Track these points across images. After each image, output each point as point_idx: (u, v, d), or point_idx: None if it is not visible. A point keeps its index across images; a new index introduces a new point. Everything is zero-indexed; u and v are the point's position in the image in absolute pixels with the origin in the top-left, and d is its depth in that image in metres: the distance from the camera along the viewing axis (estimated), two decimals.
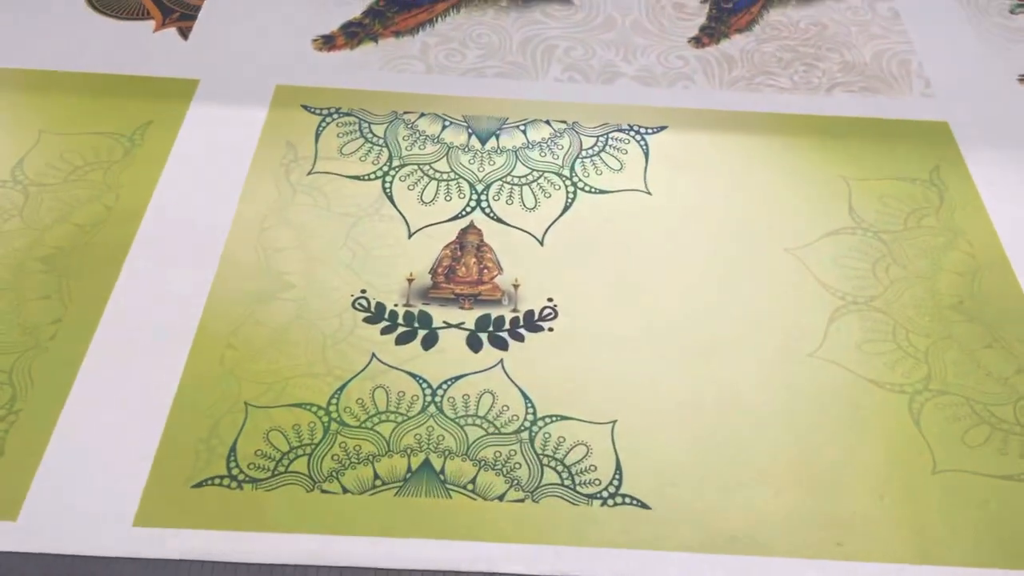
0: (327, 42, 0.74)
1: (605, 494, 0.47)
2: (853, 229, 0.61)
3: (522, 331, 0.54)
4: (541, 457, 0.49)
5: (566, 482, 0.48)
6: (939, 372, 0.53)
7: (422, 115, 0.67)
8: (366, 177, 0.63)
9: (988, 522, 0.47)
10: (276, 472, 0.47)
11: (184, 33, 0.74)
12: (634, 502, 0.47)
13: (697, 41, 0.75)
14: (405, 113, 0.68)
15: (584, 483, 0.48)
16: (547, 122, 0.67)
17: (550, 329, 0.55)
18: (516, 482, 0.48)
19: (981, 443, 0.50)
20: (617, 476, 0.48)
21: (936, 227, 0.61)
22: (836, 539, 0.46)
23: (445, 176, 0.63)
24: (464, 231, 0.60)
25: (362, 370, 0.52)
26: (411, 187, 0.62)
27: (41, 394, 0.50)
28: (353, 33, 0.74)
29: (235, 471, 0.47)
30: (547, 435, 0.49)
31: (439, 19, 0.77)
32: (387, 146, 0.65)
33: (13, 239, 0.57)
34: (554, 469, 0.48)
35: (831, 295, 0.57)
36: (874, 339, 0.54)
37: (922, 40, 0.76)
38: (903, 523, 0.47)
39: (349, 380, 0.51)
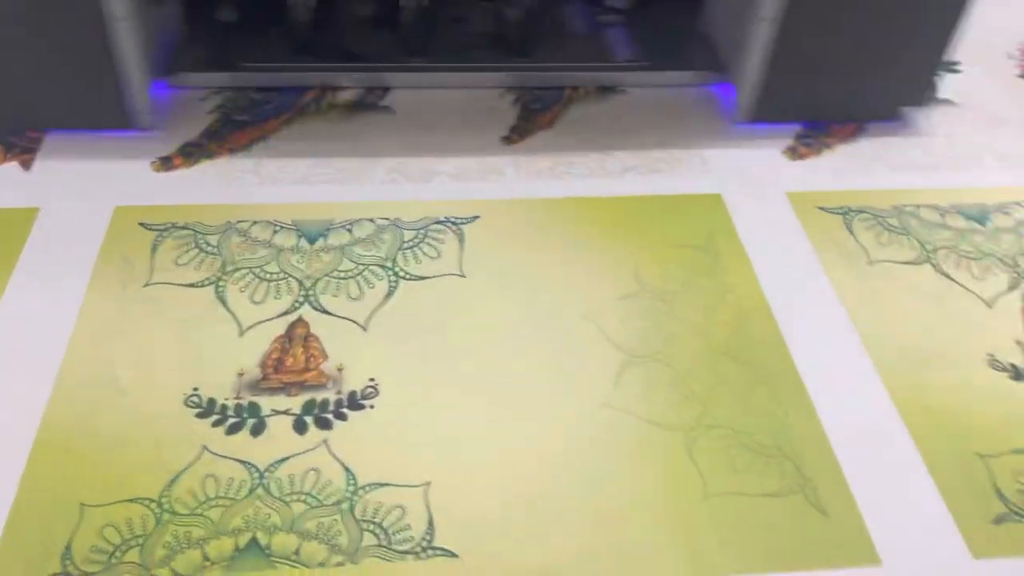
0: (164, 163, 0.79)
1: (418, 549, 0.52)
2: (639, 293, 0.69)
3: (345, 411, 0.60)
4: (360, 523, 0.53)
5: (383, 542, 0.52)
6: (711, 411, 0.61)
7: (254, 223, 0.74)
8: (200, 284, 0.68)
9: (753, 533, 0.54)
10: (110, 564, 0.50)
11: (26, 165, 0.78)
12: (444, 553, 0.52)
13: (507, 139, 0.85)
14: (238, 222, 0.74)
15: (399, 541, 0.53)
16: (371, 220, 0.75)
17: (371, 407, 0.60)
18: (337, 548, 0.52)
19: (745, 468, 0.57)
20: (429, 532, 0.53)
21: (711, 287, 0.70)
22: (620, 566, 0.52)
23: (275, 276, 0.69)
24: (292, 324, 0.65)
25: (193, 462, 0.56)
26: (242, 289, 0.68)
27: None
28: (189, 153, 0.81)
29: (70, 567, 0.50)
30: (366, 503, 0.54)
31: (271, 135, 0.84)
32: (220, 254, 0.71)
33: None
34: (372, 532, 0.53)
35: (620, 351, 0.65)
36: (657, 387, 0.62)
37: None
38: (678, 544, 0.53)
39: (180, 472, 0.55)
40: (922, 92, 0.85)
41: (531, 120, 0.87)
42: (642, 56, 0.90)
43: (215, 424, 0.58)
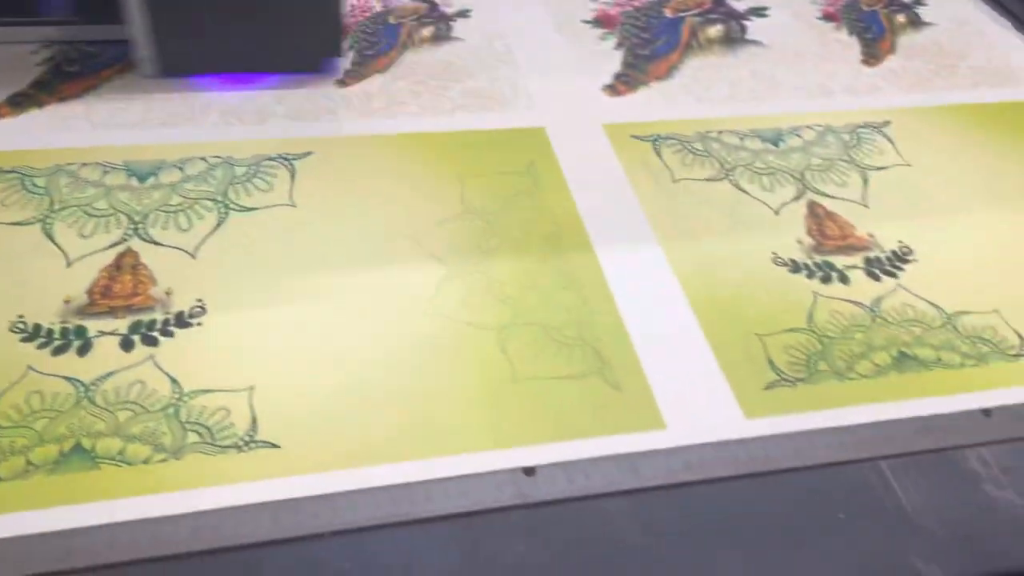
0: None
1: (240, 443, 0.56)
2: (463, 215, 0.74)
3: (172, 328, 0.62)
4: (185, 424, 0.56)
5: (206, 439, 0.56)
6: (523, 311, 0.66)
7: (83, 165, 0.75)
8: (26, 222, 0.69)
9: (552, 409, 0.60)
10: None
11: None
12: (266, 444, 0.56)
13: (342, 82, 0.88)
14: (68, 164, 0.75)
15: (222, 438, 0.56)
16: (203, 159, 0.77)
17: (199, 324, 0.63)
18: (160, 447, 0.55)
19: (551, 357, 0.63)
20: (252, 429, 0.57)
21: (530, 206, 0.76)
22: (429, 441, 0.57)
23: (104, 212, 0.71)
24: (121, 255, 0.68)
25: (17, 381, 0.58)
26: (70, 225, 0.69)
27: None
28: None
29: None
30: (191, 407, 0.57)
31: (104, 84, 0.85)
32: (48, 195, 0.72)
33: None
34: (196, 432, 0.56)
35: (442, 265, 0.70)
36: (474, 294, 0.67)
37: (528, 65, 0.93)
38: (484, 421, 0.58)
39: (4, 391, 0.57)
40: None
41: (365, 65, 0.91)
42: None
43: (40, 347, 0.60)
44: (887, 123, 0.90)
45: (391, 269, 0.69)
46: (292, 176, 0.76)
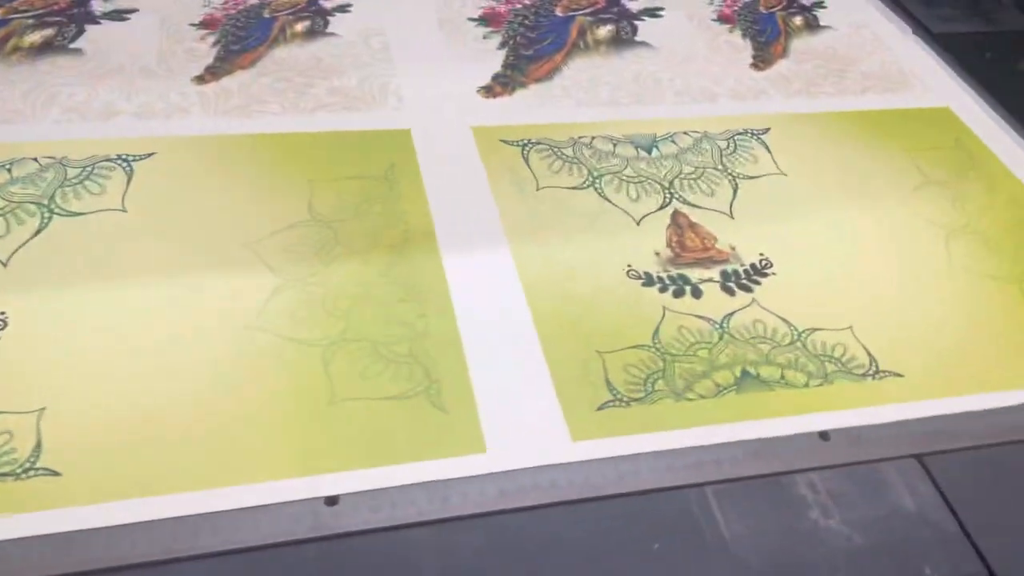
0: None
1: (19, 470, 0.52)
2: (308, 223, 0.71)
3: None
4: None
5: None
6: (355, 325, 0.64)
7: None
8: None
9: (370, 433, 0.57)
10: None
11: None
12: (46, 472, 0.52)
13: (200, 79, 0.85)
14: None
15: (1, 464, 0.53)
16: (35, 159, 0.73)
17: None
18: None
19: (375, 375, 0.60)
20: (35, 453, 0.53)
21: (381, 213, 0.73)
22: (235, 469, 0.54)
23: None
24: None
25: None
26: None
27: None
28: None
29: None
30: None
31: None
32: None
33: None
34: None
35: (275, 276, 0.66)
36: (305, 307, 0.64)
37: (403, 64, 0.90)
38: (294, 446, 0.55)
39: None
40: None
41: (229, 61, 0.87)
42: None
43: None
44: (767, 130, 0.88)
45: (219, 281, 0.65)
46: (128, 179, 0.72)
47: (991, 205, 0.83)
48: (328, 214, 0.72)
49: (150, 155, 0.74)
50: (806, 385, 0.64)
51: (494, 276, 0.69)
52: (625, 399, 0.62)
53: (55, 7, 0.90)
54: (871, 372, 0.65)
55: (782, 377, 0.65)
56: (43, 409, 0.55)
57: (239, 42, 0.89)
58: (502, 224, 0.73)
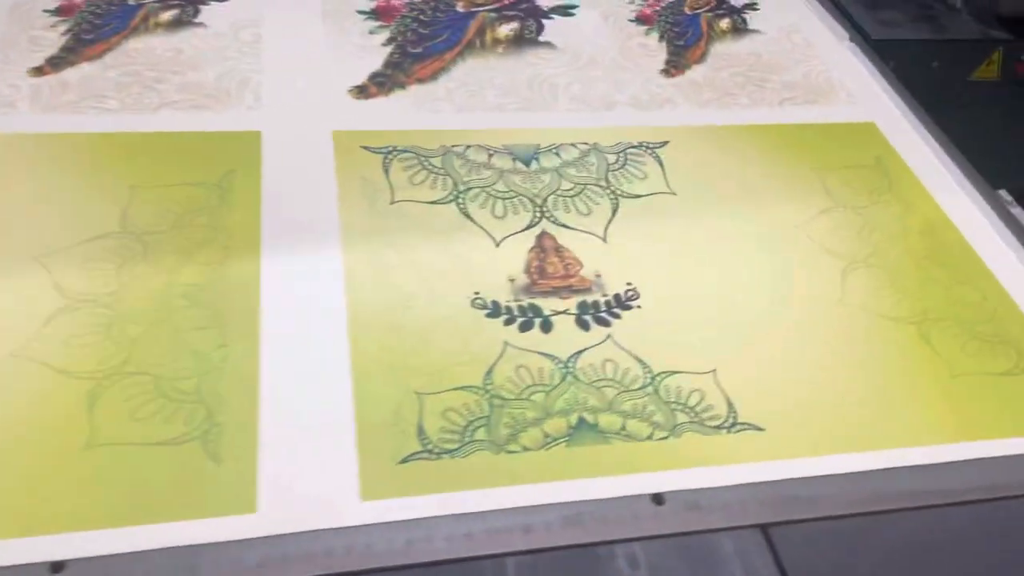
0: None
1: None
2: (117, 235, 0.64)
3: None
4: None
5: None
6: (139, 356, 0.56)
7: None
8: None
9: (126, 485, 0.50)
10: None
11: None
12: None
13: (38, 71, 0.78)
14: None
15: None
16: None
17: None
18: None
19: (148, 416, 0.53)
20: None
21: (205, 226, 0.66)
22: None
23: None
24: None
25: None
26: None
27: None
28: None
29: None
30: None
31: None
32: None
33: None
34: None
35: (63, 296, 0.59)
36: (88, 332, 0.57)
37: (271, 60, 0.83)
38: (38, 497, 0.48)
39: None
40: None
41: (76, 51, 0.80)
42: None
43: None
44: (664, 143, 0.81)
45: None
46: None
47: (902, 233, 0.75)
48: (143, 225, 0.64)
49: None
50: (649, 437, 0.57)
51: (316, 302, 0.62)
52: (435, 450, 0.54)
53: None
54: (727, 424, 0.58)
55: (623, 428, 0.57)
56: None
57: (93, 31, 0.82)
58: (341, 243, 0.66)
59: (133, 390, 0.54)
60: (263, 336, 0.58)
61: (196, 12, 0.86)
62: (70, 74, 0.76)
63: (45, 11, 0.83)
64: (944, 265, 0.72)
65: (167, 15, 0.85)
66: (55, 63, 0.77)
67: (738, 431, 0.57)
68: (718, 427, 0.58)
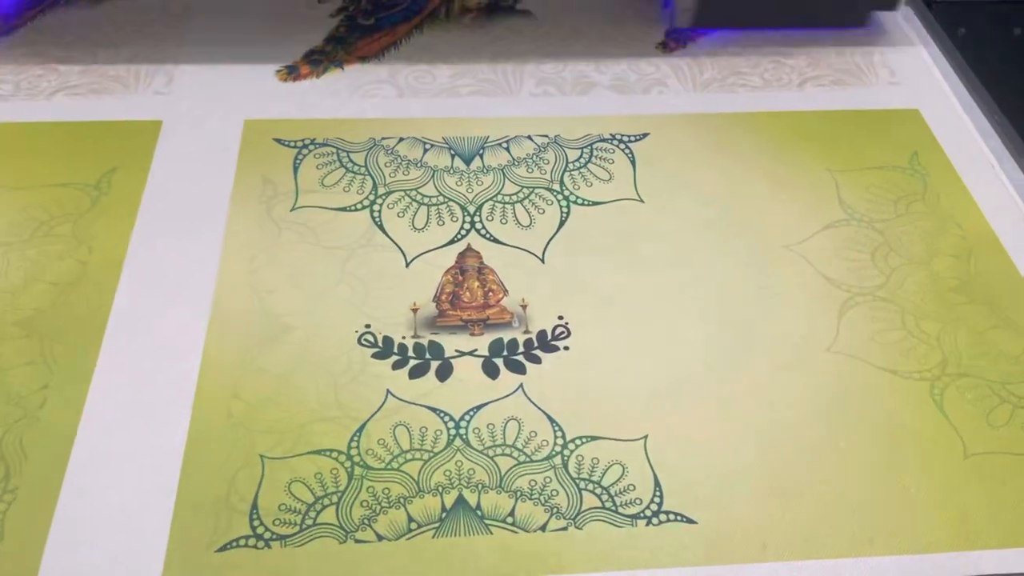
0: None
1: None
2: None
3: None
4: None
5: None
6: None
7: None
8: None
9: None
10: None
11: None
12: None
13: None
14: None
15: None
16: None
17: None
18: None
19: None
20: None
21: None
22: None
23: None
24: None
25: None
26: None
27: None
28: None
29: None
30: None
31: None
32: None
33: None
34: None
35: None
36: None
37: (194, 35, 0.73)
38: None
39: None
40: None
41: None
42: None
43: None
44: (644, 136, 0.67)
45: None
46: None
47: (928, 256, 0.59)
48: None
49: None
50: (543, 528, 0.45)
51: (170, 335, 0.52)
52: (265, 536, 0.44)
53: None
54: (647, 513, 0.45)
55: (511, 514, 0.45)
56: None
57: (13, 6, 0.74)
58: (220, 259, 0.56)
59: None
60: (96, 378, 0.49)
61: None
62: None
63: None
64: (979, 300, 0.56)
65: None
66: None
67: (659, 523, 0.45)
68: (633, 517, 0.45)
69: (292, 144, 0.64)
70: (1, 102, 0.65)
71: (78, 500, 0.44)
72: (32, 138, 0.62)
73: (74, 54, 0.69)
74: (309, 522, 0.44)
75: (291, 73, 0.70)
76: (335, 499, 0.45)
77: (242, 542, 0.43)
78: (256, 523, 0.44)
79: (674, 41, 0.76)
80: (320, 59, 0.72)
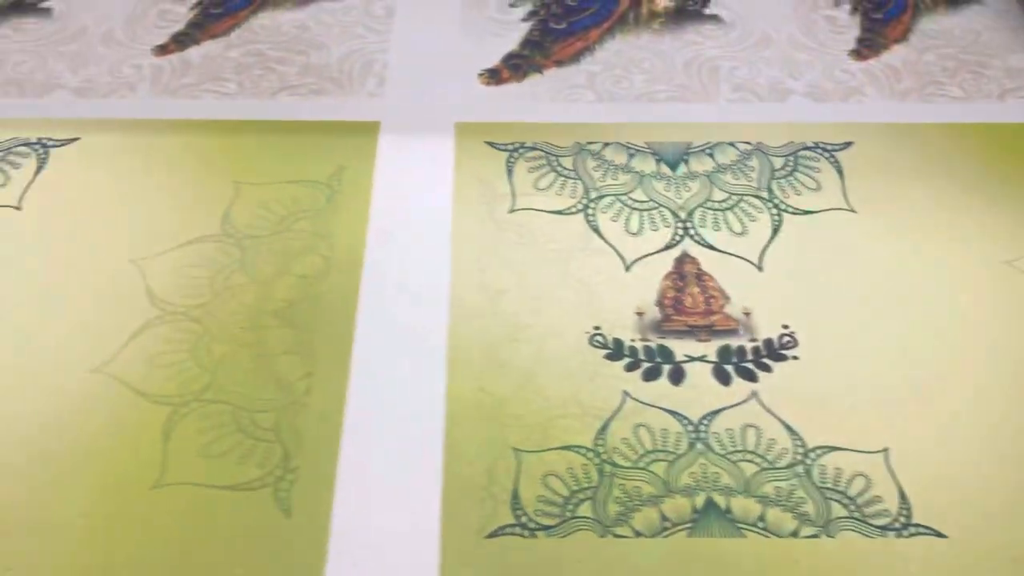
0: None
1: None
2: (218, 237, 0.59)
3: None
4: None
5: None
6: (220, 381, 0.51)
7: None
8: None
9: (199, 531, 0.45)
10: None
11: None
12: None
13: (162, 49, 0.74)
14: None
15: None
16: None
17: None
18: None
19: (222, 453, 0.48)
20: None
21: (307, 230, 0.60)
22: None
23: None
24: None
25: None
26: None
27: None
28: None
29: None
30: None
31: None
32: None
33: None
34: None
35: (152, 306, 0.55)
36: (172, 350, 0.53)
37: (399, 37, 0.76)
38: (94, 548, 0.45)
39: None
40: None
41: (202, 27, 0.76)
42: None
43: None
44: (847, 145, 0.67)
45: (87, 307, 0.54)
46: (38, 169, 0.62)
47: None
48: (243, 228, 0.59)
49: (72, 140, 0.65)
50: (794, 534, 0.46)
51: (415, 329, 0.54)
52: (530, 525, 0.46)
53: None
54: (896, 525, 0.46)
55: (761, 518, 0.47)
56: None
57: (222, 3, 0.77)
58: (451, 257, 0.58)
59: (210, 421, 0.49)
60: (353, 367, 0.52)
61: None
62: (193, 53, 0.73)
63: None
64: None
65: None
66: (180, 40, 0.74)
67: (910, 535, 0.46)
68: (884, 528, 0.46)
69: (503, 147, 0.66)
70: (228, 100, 0.69)
71: (354, 481, 0.47)
72: (261, 135, 0.66)
73: (289, 55, 0.73)
74: (568, 514, 0.46)
75: (493, 77, 0.72)
76: (589, 494, 0.47)
77: (508, 530, 0.46)
78: (519, 513, 0.46)
79: (867, 48, 0.76)
80: (520, 63, 0.74)
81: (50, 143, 0.65)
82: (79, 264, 0.57)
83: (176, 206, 0.61)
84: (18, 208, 0.60)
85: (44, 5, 0.77)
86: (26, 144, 0.64)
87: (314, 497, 0.47)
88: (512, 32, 0.77)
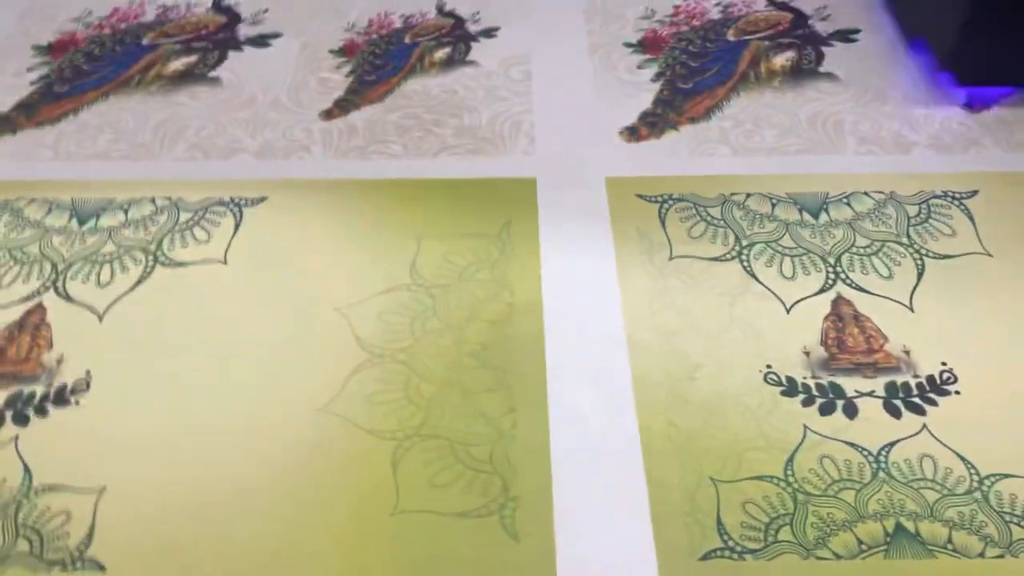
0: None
1: (67, 559, 0.50)
2: (410, 286, 0.65)
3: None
4: (22, 528, 0.52)
5: (35, 550, 0.51)
6: (435, 418, 0.57)
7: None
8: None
9: (429, 556, 0.50)
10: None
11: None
12: (93, 565, 0.50)
13: (327, 114, 0.81)
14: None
15: (55, 548, 0.51)
16: (152, 200, 0.72)
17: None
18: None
19: (447, 483, 0.53)
20: (86, 541, 0.51)
21: (489, 280, 0.65)
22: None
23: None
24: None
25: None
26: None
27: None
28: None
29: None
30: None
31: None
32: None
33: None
34: (26, 538, 0.51)
35: (363, 350, 0.61)
36: (386, 389, 0.58)
37: (541, 98, 0.82)
38: (348, 562, 0.50)
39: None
40: None
41: (359, 93, 0.83)
42: None
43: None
44: (973, 193, 0.72)
45: (302, 354, 0.60)
46: (236, 226, 0.69)
47: None
48: (430, 277, 0.65)
49: (261, 200, 0.72)
50: (981, 555, 0.50)
51: (601, 366, 0.59)
52: (737, 548, 0.51)
53: (203, 32, 0.90)
54: None
55: (949, 541, 0.51)
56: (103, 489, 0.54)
57: (374, 71, 0.84)
58: (621, 301, 0.64)
59: (431, 454, 0.54)
60: (550, 401, 0.57)
61: (467, 49, 0.87)
62: (355, 117, 0.79)
63: (330, 51, 0.87)
64: None
65: (440, 53, 0.86)
66: (342, 105, 0.81)
67: None
68: None
69: (653, 199, 0.71)
70: (396, 160, 0.75)
71: (567, 508, 0.52)
72: (429, 192, 0.72)
73: (443, 117, 0.80)
74: (771, 538, 0.51)
75: (633, 134, 0.78)
76: (787, 520, 0.51)
77: (719, 553, 0.50)
78: (725, 537, 0.51)
79: (978, 103, 0.81)
80: (655, 121, 0.79)
81: (242, 202, 0.71)
82: (288, 313, 0.63)
83: (367, 259, 0.67)
84: (224, 263, 0.67)
85: (212, 75, 0.85)
86: (221, 203, 0.71)
87: (537, 524, 0.51)
88: (642, 92, 0.83)
